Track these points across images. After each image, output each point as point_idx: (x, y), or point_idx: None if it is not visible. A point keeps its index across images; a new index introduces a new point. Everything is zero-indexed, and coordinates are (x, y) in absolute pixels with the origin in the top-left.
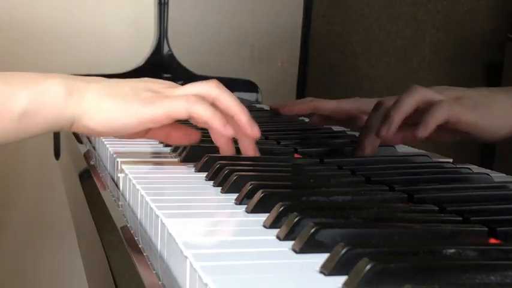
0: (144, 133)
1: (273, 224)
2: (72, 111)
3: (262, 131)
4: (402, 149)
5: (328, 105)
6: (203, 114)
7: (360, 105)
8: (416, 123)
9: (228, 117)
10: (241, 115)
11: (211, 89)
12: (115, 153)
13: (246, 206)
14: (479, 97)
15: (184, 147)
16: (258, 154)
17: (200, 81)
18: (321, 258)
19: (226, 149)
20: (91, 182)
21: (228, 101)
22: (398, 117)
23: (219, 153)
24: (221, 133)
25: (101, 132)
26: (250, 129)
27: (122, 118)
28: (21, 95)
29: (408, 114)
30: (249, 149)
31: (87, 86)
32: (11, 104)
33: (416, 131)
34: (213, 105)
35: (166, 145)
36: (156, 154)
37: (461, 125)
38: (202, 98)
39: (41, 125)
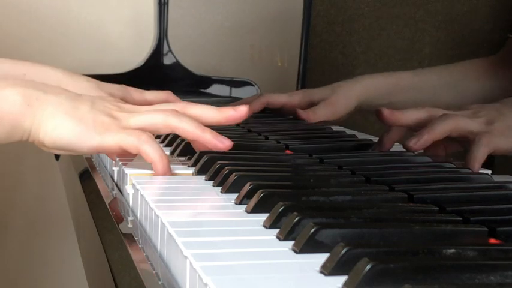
0: None
1: (273, 224)
2: (30, 123)
3: (263, 131)
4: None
5: (279, 99)
6: (151, 156)
7: (307, 95)
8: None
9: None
10: (203, 137)
11: (168, 118)
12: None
13: (246, 206)
14: (510, 116)
15: (185, 147)
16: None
17: (159, 108)
18: (321, 258)
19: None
20: (91, 182)
21: (186, 129)
22: (428, 139)
23: (218, 152)
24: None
25: (54, 151)
26: (220, 144)
27: (75, 142)
28: None
29: (438, 139)
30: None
31: (45, 98)
32: None
33: (470, 165)
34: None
35: (166, 145)
36: None
37: (499, 152)
38: (157, 131)
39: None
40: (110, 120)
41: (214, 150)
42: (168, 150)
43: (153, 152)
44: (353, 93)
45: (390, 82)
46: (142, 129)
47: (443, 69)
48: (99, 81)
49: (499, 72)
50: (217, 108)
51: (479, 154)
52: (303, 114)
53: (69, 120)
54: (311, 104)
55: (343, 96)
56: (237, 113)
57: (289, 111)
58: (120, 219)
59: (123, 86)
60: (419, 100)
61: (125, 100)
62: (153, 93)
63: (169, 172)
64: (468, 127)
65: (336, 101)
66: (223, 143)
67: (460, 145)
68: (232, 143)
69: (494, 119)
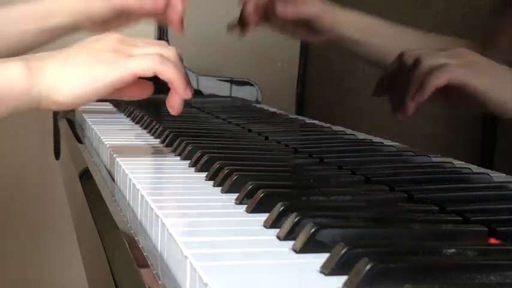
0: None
1: (273, 224)
2: (37, 90)
3: (263, 131)
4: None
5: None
6: (170, 74)
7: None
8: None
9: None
10: (179, 81)
11: (162, 60)
12: (115, 152)
13: (246, 206)
14: (499, 69)
15: (185, 147)
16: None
17: (149, 41)
18: (321, 258)
19: (176, 109)
20: (91, 182)
21: (170, 77)
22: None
23: (218, 152)
24: (180, 95)
25: (72, 104)
26: (184, 92)
27: (91, 85)
28: None
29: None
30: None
31: (45, 62)
32: None
33: (414, 96)
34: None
35: (167, 145)
36: (156, 154)
37: (457, 83)
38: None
39: (7, 107)
40: (114, 54)
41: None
42: (169, 149)
43: (171, 71)
44: (341, 18)
45: (373, 23)
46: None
47: (426, 35)
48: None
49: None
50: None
51: (433, 79)
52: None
53: (76, 69)
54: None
55: (331, 14)
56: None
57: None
58: (120, 219)
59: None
60: (392, 53)
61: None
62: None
63: (188, 92)
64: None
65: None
66: (186, 93)
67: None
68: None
69: (475, 62)
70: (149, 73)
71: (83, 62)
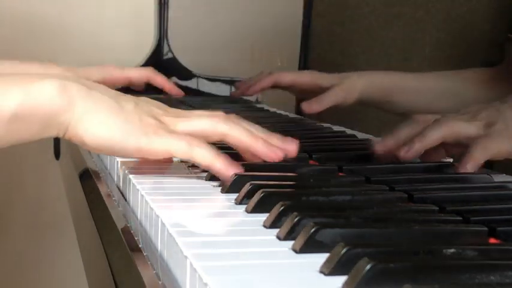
0: None
1: (273, 224)
2: (68, 117)
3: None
4: None
5: (287, 77)
6: (204, 159)
7: (316, 78)
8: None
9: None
10: (256, 146)
11: (218, 125)
12: None
13: (246, 206)
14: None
15: None
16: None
17: (208, 113)
18: (321, 258)
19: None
20: (91, 182)
21: (238, 135)
22: (420, 147)
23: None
24: (224, 176)
25: (94, 149)
26: (272, 155)
27: (121, 142)
28: (13, 95)
29: (432, 146)
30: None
31: (88, 93)
32: (1, 104)
33: (462, 170)
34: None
35: None
36: None
37: (501, 156)
38: (206, 138)
39: (35, 128)
40: (157, 123)
41: (268, 160)
42: None
43: (205, 155)
44: (357, 85)
45: (392, 81)
46: (191, 135)
47: (445, 75)
48: (73, 67)
49: (501, 83)
50: (268, 135)
51: (475, 159)
52: (307, 107)
53: (114, 117)
54: (317, 87)
55: (349, 86)
56: (270, 156)
57: (296, 91)
58: (120, 219)
59: (101, 65)
60: (418, 103)
61: (106, 81)
62: (135, 71)
63: (232, 170)
64: (464, 131)
65: (344, 89)
66: (275, 153)
67: (463, 147)
68: (282, 155)
69: (494, 121)
70: (182, 155)
71: (124, 114)
